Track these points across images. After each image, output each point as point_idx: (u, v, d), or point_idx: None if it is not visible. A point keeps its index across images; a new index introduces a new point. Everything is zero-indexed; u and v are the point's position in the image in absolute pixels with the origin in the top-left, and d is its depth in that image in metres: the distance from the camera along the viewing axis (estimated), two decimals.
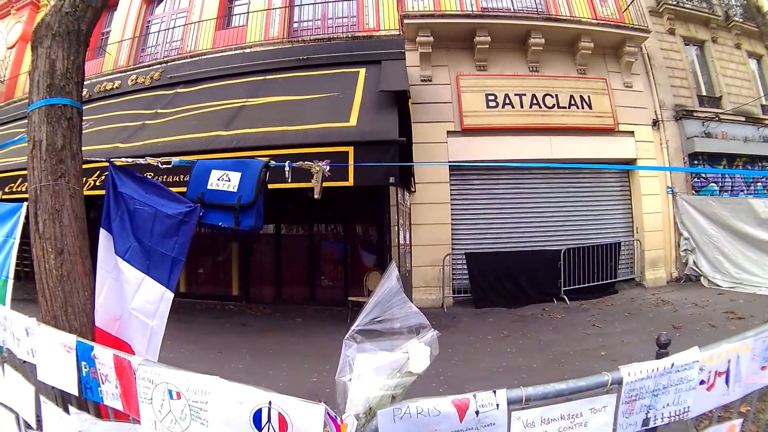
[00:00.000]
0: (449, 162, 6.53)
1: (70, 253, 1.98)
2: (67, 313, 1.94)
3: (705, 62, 10.15)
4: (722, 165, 9.62)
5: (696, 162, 9.16)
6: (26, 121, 2.11)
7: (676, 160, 8.83)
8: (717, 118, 9.41)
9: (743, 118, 9.74)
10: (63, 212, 1.99)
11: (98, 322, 2.07)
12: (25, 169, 2.13)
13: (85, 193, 2.17)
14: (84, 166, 2.15)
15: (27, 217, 2.17)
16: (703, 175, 9.22)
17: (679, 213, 8.51)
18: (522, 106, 7.15)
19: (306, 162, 2.38)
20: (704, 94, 9.84)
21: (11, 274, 2.59)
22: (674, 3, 9.57)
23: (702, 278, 8.10)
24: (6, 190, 6.49)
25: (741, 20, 10.36)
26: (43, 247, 1.96)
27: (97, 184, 5.36)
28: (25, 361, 1.91)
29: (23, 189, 6.17)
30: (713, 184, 9.40)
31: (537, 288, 7.06)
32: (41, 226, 1.98)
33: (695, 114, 9.20)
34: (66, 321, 1.92)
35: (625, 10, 8.36)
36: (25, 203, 2.25)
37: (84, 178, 2.32)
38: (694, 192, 8.98)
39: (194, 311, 6.83)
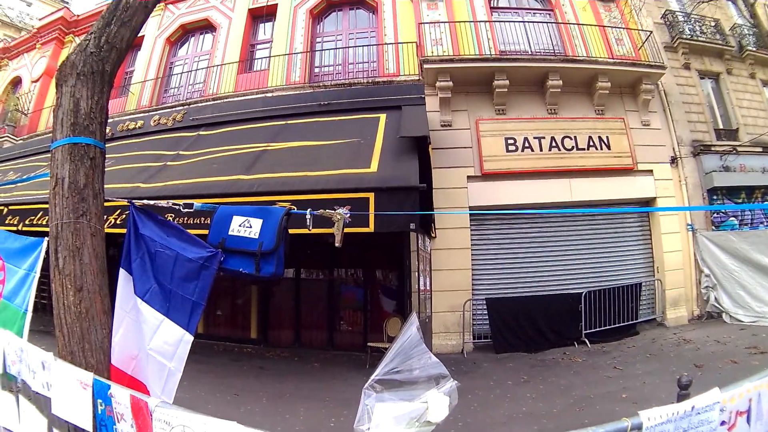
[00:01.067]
0: (469, 210, 6.53)
1: (89, 291, 1.99)
2: (84, 350, 1.94)
3: (720, 95, 10.11)
4: (741, 198, 9.52)
5: (715, 197, 9.07)
6: (48, 155, 2.14)
7: (695, 197, 8.75)
8: (734, 151, 9.33)
9: (760, 149, 9.64)
10: (83, 250, 2.01)
11: (114, 360, 2.08)
12: (45, 203, 2.15)
13: (105, 230, 2.19)
14: (105, 204, 2.18)
15: (47, 252, 2.22)
16: (723, 211, 9.12)
17: (699, 250, 8.39)
18: (541, 149, 7.16)
19: (327, 210, 2.39)
20: (721, 127, 9.78)
21: (30, 307, 2.63)
22: (688, 37, 9.58)
23: (724, 314, 7.95)
24: (26, 222, 6.59)
25: (754, 49, 10.34)
26: (63, 283, 1.98)
27: (118, 222, 5.40)
28: (38, 393, 1.92)
29: (43, 222, 6.25)
30: (733, 219, 9.28)
31: (557, 332, 6.97)
32: (61, 262, 1.99)
33: (713, 148, 9.13)
34: (83, 357, 1.93)
35: (641, 47, 8.39)
36: (46, 238, 2.29)
37: (104, 216, 2.35)
38: (713, 227, 8.87)
39: (212, 353, 6.80)
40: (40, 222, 6.31)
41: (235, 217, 2.33)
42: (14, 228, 6.09)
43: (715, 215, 8.96)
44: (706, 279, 8.31)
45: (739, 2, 11.03)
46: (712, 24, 10.07)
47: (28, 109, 10.43)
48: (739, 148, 9.33)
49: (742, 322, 7.27)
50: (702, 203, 8.95)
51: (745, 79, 10.31)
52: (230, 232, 2.28)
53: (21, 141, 10.41)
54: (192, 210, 2.43)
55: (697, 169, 8.81)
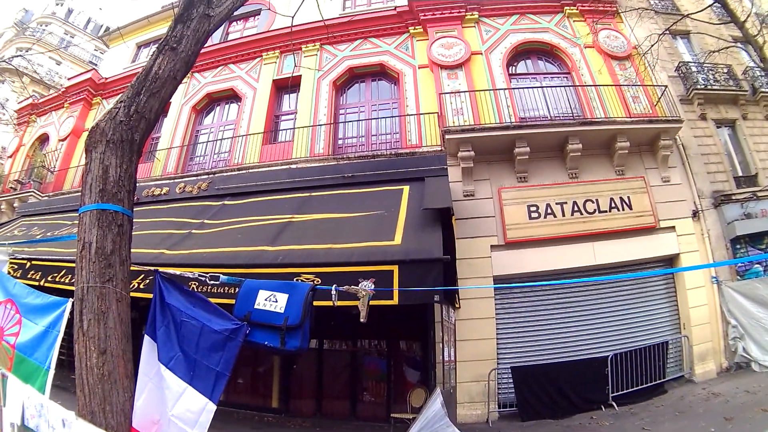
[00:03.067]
0: (494, 284, 6.54)
1: (113, 355, 2.01)
2: (105, 411, 1.96)
3: (737, 141, 10.11)
4: (765, 243, 9.41)
5: (738, 246, 8.98)
6: (73, 213, 2.17)
7: (719, 248, 8.66)
8: (755, 197, 9.26)
9: None
10: (108, 315, 2.04)
11: (135, 423, 2.10)
12: (69, 261, 2.17)
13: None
14: (130, 269, 2.21)
15: (71, 313, 2.26)
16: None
17: (725, 301, 8.28)
18: (564, 215, 7.18)
19: (352, 287, 2.47)
20: (740, 174, 9.74)
21: (53, 365, 2.68)
22: (703, 87, 9.65)
23: (752, 363, 7.80)
24: (49, 278, 6.67)
25: None
26: (86, 345, 1.99)
27: (141, 287, 5.44)
28: None
29: (66, 281, 6.33)
30: (757, 266, 9.15)
31: (584, 397, 6.87)
32: (86, 324, 2.01)
33: (733, 197, 9.08)
34: (103, 418, 1.94)
35: (657, 102, 8.47)
36: (71, 299, 2.34)
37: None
38: (738, 277, 8.76)
39: (231, 420, 6.76)
40: (62, 280, 6.40)
41: (261, 291, 2.40)
42: (36, 283, 6.17)
43: (739, 265, 8.86)
44: (733, 330, 8.17)
45: (749, 47, 11.12)
46: (725, 71, 10.15)
47: (55, 167, 10.74)
48: (759, 194, 9.26)
49: None
50: (725, 254, 8.85)
51: (760, 122, 10.31)
52: (256, 306, 2.34)
53: (46, 198, 10.69)
54: (218, 282, 2.53)
55: (718, 219, 8.76)
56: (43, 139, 12.18)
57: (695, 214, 8.54)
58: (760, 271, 9.13)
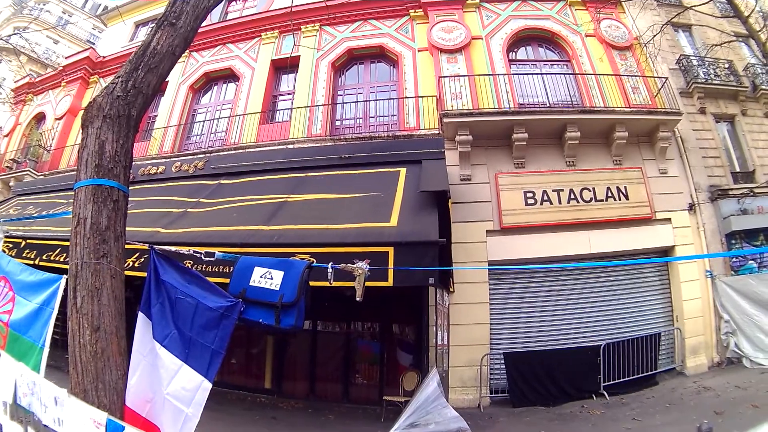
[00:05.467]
0: (488, 266, 6.51)
1: (106, 332, 1.99)
2: (98, 389, 1.95)
3: (736, 137, 10.09)
4: (760, 240, 9.42)
5: (733, 241, 8.99)
6: (68, 193, 2.14)
7: (714, 242, 8.68)
8: (752, 193, 9.26)
9: None
10: (102, 291, 2.02)
11: (129, 402, 2.08)
12: (64, 239, 2.15)
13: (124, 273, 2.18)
14: (126, 247, 2.19)
15: (65, 290, 2.22)
16: (742, 255, 9.04)
17: (718, 296, 8.31)
18: (560, 202, 7.16)
19: (348, 264, 2.40)
20: (737, 170, 9.74)
21: (47, 343, 2.66)
22: (703, 81, 9.62)
23: (744, 359, 7.85)
24: (44, 257, 6.63)
25: None
26: (80, 322, 1.98)
27: (136, 265, 5.43)
28: (48, 427, 1.92)
29: (60, 259, 6.30)
30: (752, 262, 9.17)
31: (576, 385, 6.89)
32: (79, 301, 1.99)
33: (730, 192, 9.09)
34: (96, 396, 1.93)
35: (657, 94, 8.44)
36: (65, 276, 2.30)
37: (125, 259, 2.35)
38: (732, 272, 8.78)
39: (224, 401, 6.78)
40: (57, 258, 6.36)
41: (256, 268, 2.35)
42: (31, 262, 6.13)
43: (734, 260, 8.86)
44: (725, 325, 8.20)
45: (751, 42, 11.09)
46: (726, 66, 10.12)
47: (51, 146, 10.66)
48: (756, 190, 9.27)
49: (763, 365, 7.21)
50: (720, 248, 8.87)
51: (760, 119, 10.30)
52: (251, 283, 2.30)
53: (42, 177, 10.62)
54: (213, 259, 2.48)
55: (714, 214, 8.76)
56: (40, 118, 12.08)
57: (691, 208, 8.54)
58: (754, 268, 9.14)
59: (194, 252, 2.52)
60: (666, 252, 8.02)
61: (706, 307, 8.20)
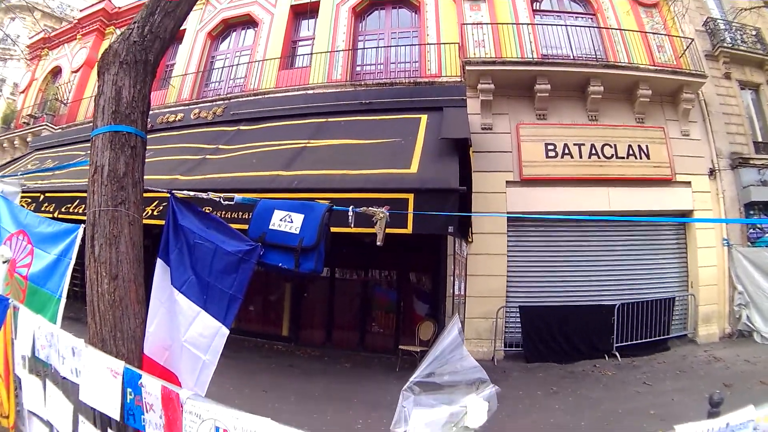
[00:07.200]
0: (508, 213, 6.47)
1: (124, 280, 1.97)
2: (116, 338, 1.93)
3: (760, 106, 9.88)
4: None
5: (752, 212, 8.87)
6: (86, 144, 2.11)
7: (732, 210, 8.56)
8: None
9: None
10: (120, 239, 1.99)
11: (147, 350, 2.07)
12: (82, 191, 2.12)
13: (143, 221, 2.16)
14: (144, 195, 2.16)
15: (83, 239, 2.20)
16: (759, 226, 8.91)
17: (734, 266, 8.22)
18: (581, 156, 7.07)
19: (370, 208, 2.34)
20: (760, 140, 9.56)
21: (64, 294, 2.64)
22: (730, 46, 9.39)
23: (755, 334, 7.79)
24: (62, 209, 6.72)
25: None
26: (98, 271, 1.96)
27: (155, 213, 5.47)
28: (66, 378, 1.91)
29: (79, 211, 6.36)
30: None
31: (589, 343, 6.88)
32: (97, 249, 1.97)
33: (751, 161, 8.93)
34: (114, 345, 1.92)
35: (682, 55, 8.24)
36: (83, 225, 2.27)
37: (143, 206, 2.32)
38: (749, 243, 8.68)
39: (242, 348, 6.84)
40: (76, 210, 6.43)
41: (276, 211, 2.29)
42: (50, 215, 6.20)
43: (751, 231, 8.76)
44: (739, 296, 8.13)
45: None
46: (753, 33, 9.86)
47: (68, 99, 10.65)
48: None
49: None
50: (739, 218, 8.77)
51: None
52: (271, 227, 2.24)
53: (59, 130, 10.64)
54: (232, 203, 2.40)
55: (734, 182, 8.62)
56: (56, 72, 12.06)
57: (712, 173, 8.41)
58: None
59: (213, 197, 2.46)
60: (684, 215, 7.93)
61: (721, 275, 8.12)
